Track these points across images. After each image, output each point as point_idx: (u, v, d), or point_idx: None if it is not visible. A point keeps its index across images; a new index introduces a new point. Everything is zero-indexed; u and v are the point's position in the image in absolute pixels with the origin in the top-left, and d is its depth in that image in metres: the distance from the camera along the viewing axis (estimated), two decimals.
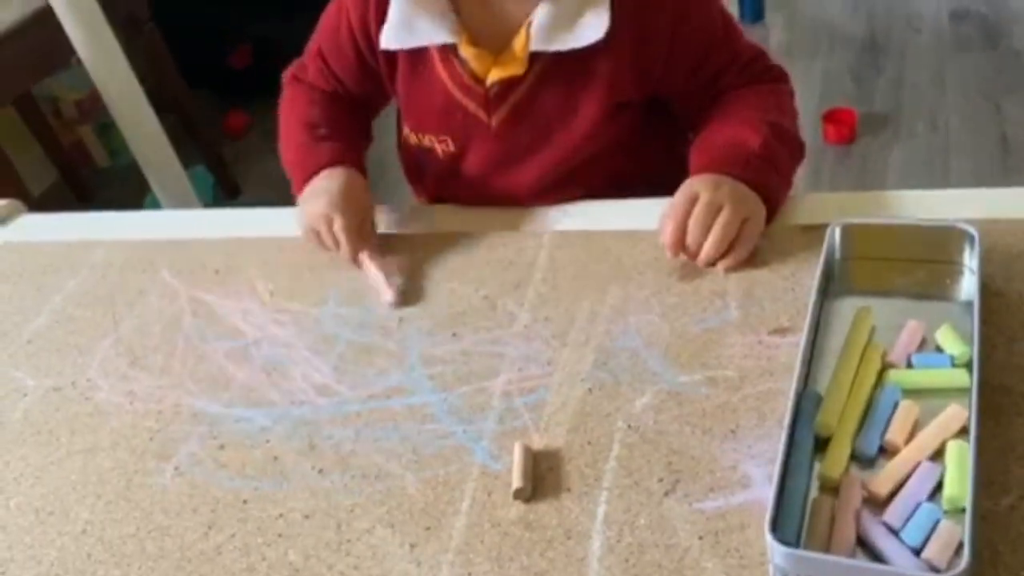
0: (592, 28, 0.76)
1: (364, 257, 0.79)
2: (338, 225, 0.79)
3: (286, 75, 0.94)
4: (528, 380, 0.67)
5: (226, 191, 2.38)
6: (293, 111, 0.90)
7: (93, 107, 2.42)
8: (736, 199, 0.72)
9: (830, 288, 0.67)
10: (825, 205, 0.77)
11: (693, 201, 0.71)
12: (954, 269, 0.66)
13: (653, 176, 0.81)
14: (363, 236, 0.80)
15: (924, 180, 1.95)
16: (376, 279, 0.78)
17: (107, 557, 0.61)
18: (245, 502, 0.63)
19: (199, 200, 2.10)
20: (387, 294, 0.76)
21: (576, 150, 0.83)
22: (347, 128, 0.89)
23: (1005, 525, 0.50)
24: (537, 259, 0.78)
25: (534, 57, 0.79)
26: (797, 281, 0.69)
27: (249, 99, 2.72)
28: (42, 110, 2.48)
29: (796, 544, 0.51)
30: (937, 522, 0.50)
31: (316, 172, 0.83)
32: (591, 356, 0.67)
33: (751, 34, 3.02)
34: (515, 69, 0.79)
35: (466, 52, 0.80)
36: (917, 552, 0.49)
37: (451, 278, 0.78)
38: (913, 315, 0.63)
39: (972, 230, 0.64)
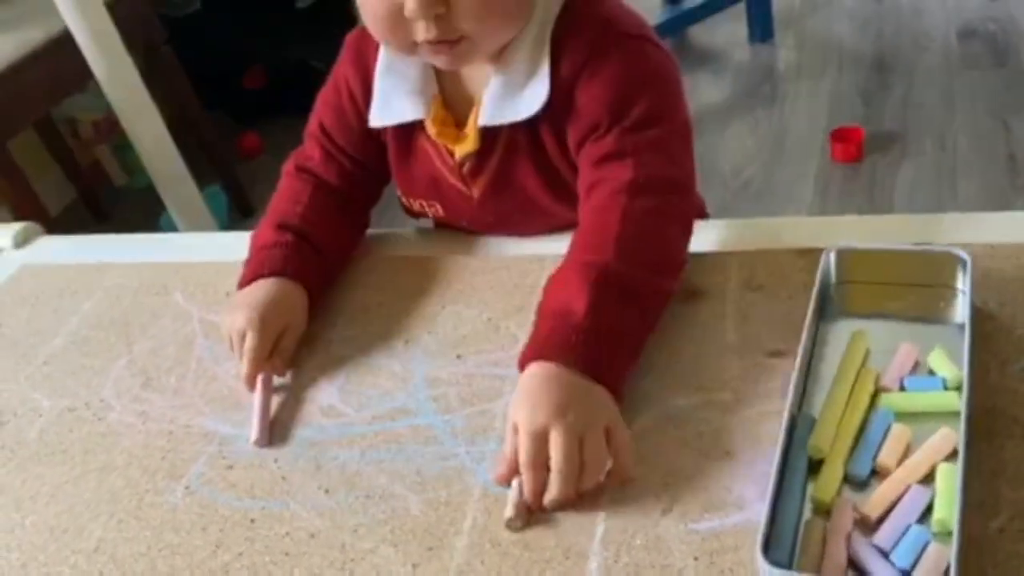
0: (533, 98, 0.75)
1: (257, 386, 0.74)
2: (248, 345, 0.74)
3: (287, 165, 0.89)
4: None
5: (240, 211, 2.41)
6: (274, 206, 0.86)
7: (110, 128, 2.47)
8: (558, 414, 0.59)
9: (825, 311, 0.68)
10: (821, 229, 0.78)
11: (544, 438, 0.59)
12: (948, 293, 0.67)
13: None
14: (270, 359, 0.75)
15: (932, 199, 1.96)
16: (255, 412, 0.72)
17: (119, 575, 0.63)
18: (252, 521, 0.64)
19: (213, 220, 2.13)
20: (255, 432, 0.70)
21: (562, 213, 0.81)
22: (328, 237, 0.83)
23: (994, 548, 0.51)
24: (539, 282, 0.79)
25: (495, 130, 0.78)
26: (794, 305, 0.70)
27: (263, 120, 2.76)
28: (60, 131, 2.53)
29: (788, 566, 0.52)
30: (926, 544, 0.51)
31: (254, 279, 0.79)
32: None
33: (759, 54, 3.02)
34: (470, 146, 0.79)
35: (431, 130, 0.80)
36: (906, 574, 0.50)
37: (456, 301, 0.80)
38: (907, 338, 0.65)
39: (964, 255, 0.65)
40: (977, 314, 0.64)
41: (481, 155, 0.80)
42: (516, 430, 0.61)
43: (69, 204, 2.59)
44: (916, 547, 0.51)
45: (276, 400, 0.74)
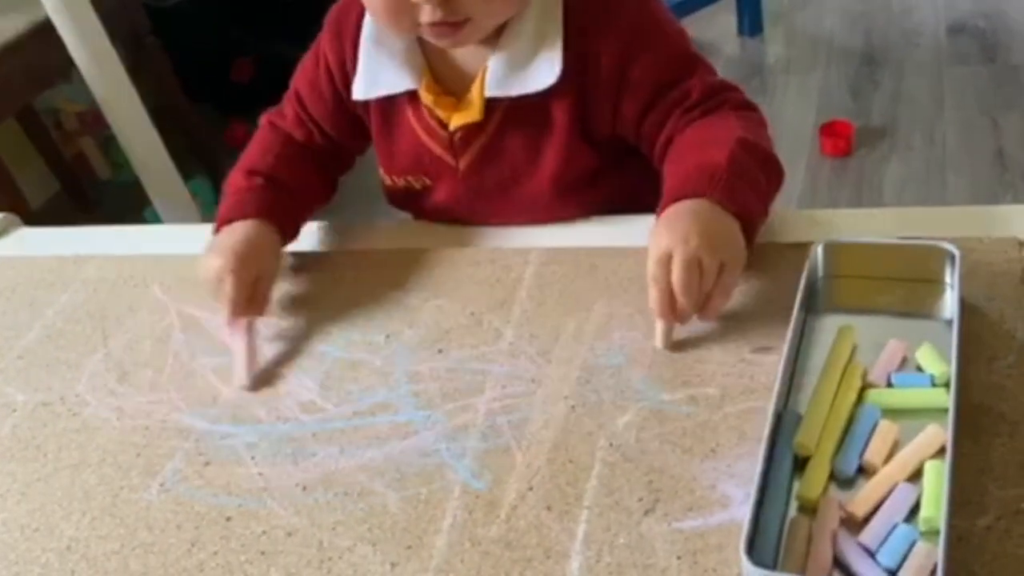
0: (544, 72, 0.77)
1: (237, 328, 0.76)
2: (226, 287, 0.76)
3: (263, 118, 0.92)
4: (512, 398, 0.67)
5: None
6: (247, 155, 0.89)
7: (95, 120, 2.44)
8: (710, 246, 0.64)
9: (813, 306, 0.67)
10: (810, 223, 0.77)
11: (668, 261, 0.65)
12: (936, 287, 0.66)
13: (629, 201, 0.81)
14: (250, 302, 0.77)
15: (921, 193, 1.96)
16: (238, 355, 0.74)
17: (91, 573, 0.61)
18: (228, 519, 0.63)
19: (199, 212, 2.11)
20: (241, 376, 0.72)
21: (543, 190, 0.83)
22: (297, 184, 0.86)
23: (981, 546, 0.50)
24: (523, 276, 0.78)
25: (494, 103, 0.80)
26: (781, 300, 0.69)
27: (250, 113, 2.72)
28: (44, 122, 2.50)
29: (773, 565, 0.51)
30: (913, 543, 0.50)
31: (229, 221, 0.81)
32: (575, 374, 0.68)
33: (748, 48, 3.01)
34: (473, 115, 0.80)
35: (426, 98, 0.81)
36: (893, 573, 0.49)
37: (438, 295, 0.78)
38: (895, 333, 0.64)
39: (953, 249, 0.64)
40: (965, 309, 0.63)
41: (476, 125, 0.81)
42: (667, 260, 0.65)
43: (52, 196, 2.56)
44: (903, 546, 0.50)
45: (262, 352, 0.75)
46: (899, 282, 0.66)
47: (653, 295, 0.66)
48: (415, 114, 0.83)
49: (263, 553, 0.60)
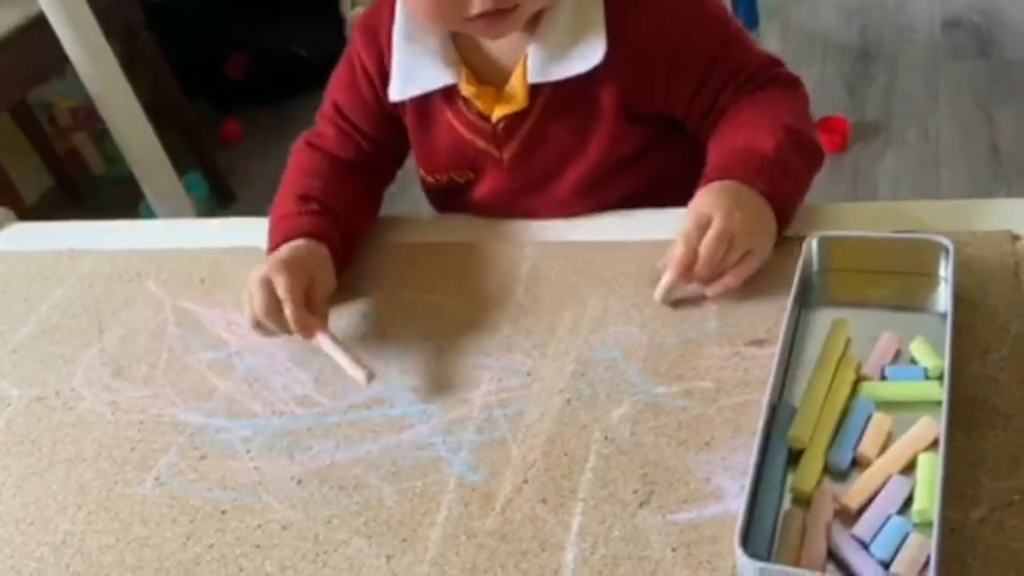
0: (589, 54, 0.76)
1: (324, 341, 0.70)
2: (281, 289, 0.70)
3: (297, 143, 0.89)
4: (508, 391, 0.67)
5: (220, 198, 2.39)
6: (291, 180, 0.85)
7: (88, 115, 2.43)
8: (748, 228, 0.68)
9: (807, 299, 0.68)
10: (804, 217, 0.77)
11: (706, 226, 0.67)
12: (930, 281, 0.66)
13: (667, 187, 0.79)
14: (308, 308, 0.72)
15: (916, 188, 1.96)
16: (342, 359, 0.69)
17: (86, 568, 0.61)
18: (224, 513, 0.63)
19: (193, 207, 2.11)
20: (357, 375, 0.68)
21: (588, 174, 0.83)
22: (347, 203, 0.83)
23: (974, 538, 0.51)
24: (519, 270, 0.78)
25: (536, 90, 0.79)
26: (775, 293, 0.69)
27: (244, 108, 2.73)
28: (37, 118, 2.49)
29: (767, 557, 0.51)
30: (907, 535, 0.51)
31: (283, 242, 0.77)
32: (570, 367, 0.68)
33: None
34: (518, 104, 0.80)
35: (467, 91, 0.80)
36: (886, 565, 0.50)
37: (433, 288, 0.78)
38: (889, 326, 0.64)
39: (947, 242, 0.64)
40: (959, 302, 0.63)
41: (519, 114, 0.81)
42: (706, 225, 0.67)
43: (46, 192, 2.55)
44: (896, 538, 0.50)
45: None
46: (893, 275, 0.67)
47: (679, 251, 0.67)
48: (452, 110, 0.82)
49: (258, 547, 0.60)
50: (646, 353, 0.67)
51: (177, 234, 0.98)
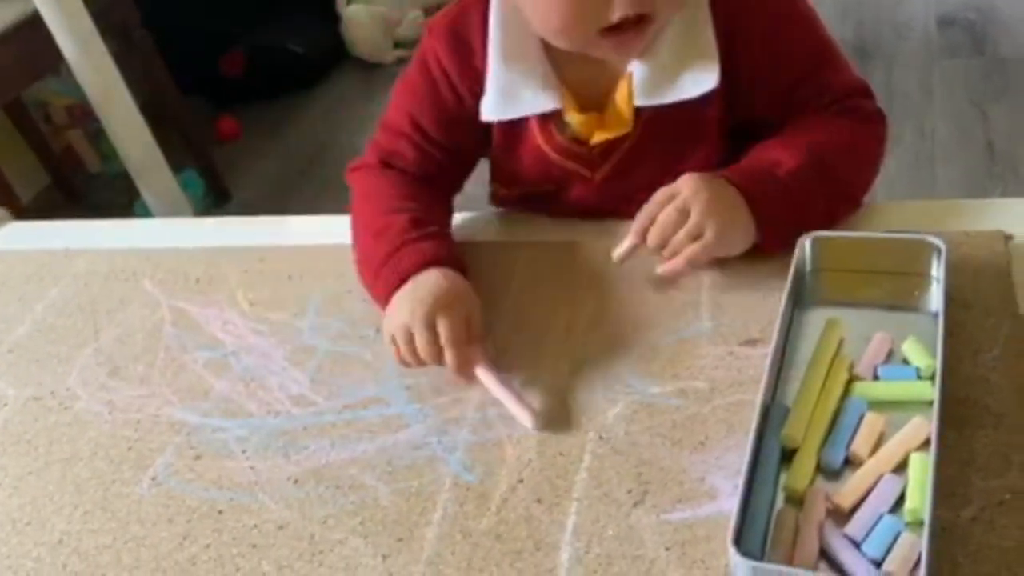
0: (702, 79, 0.73)
1: (480, 372, 0.68)
2: (444, 330, 0.68)
3: (367, 159, 0.84)
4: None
5: (216, 196, 2.39)
6: (386, 203, 0.79)
7: (84, 113, 2.43)
8: (708, 211, 0.68)
9: (800, 299, 0.68)
10: None
11: (672, 197, 0.70)
12: (923, 281, 0.66)
13: None
14: (470, 344, 0.69)
15: (911, 186, 1.96)
16: (505, 401, 0.66)
17: (83, 568, 0.61)
18: (220, 512, 0.63)
19: (189, 205, 2.10)
20: (524, 417, 0.64)
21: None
22: (445, 222, 0.81)
23: (965, 537, 0.51)
24: (515, 269, 0.78)
25: (637, 112, 0.76)
26: (769, 293, 0.69)
27: (240, 105, 2.73)
28: (32, 116, 2.48)
29: (760, 556, 0.51)
30: (898, 534, 0.51)
31: (411, 274, 0.72)
32: (566, 367, 0.68)
33: None
34: (622, 129, 0.77)
35: (571, 118, 0.78)
36: (878, 564, 0.50)
37: None
38: (882, 326, 0.64)
39: (939, 242, 0.65)
40: (951, 302, 0.63)
41: (619, 137, 0.78)
42: (672, 196, 0.70)
43: (42, 190, 2.55)
44: (888, 537, 0.51)
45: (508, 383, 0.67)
46: (886, 275, 0.67)
47: (640, 216, 0.72)
48: (544, 134, 0.80)
49: (254, 546, 0.60)
50: (641, 353, 0.68)
51: (173, 233, 0.98)
